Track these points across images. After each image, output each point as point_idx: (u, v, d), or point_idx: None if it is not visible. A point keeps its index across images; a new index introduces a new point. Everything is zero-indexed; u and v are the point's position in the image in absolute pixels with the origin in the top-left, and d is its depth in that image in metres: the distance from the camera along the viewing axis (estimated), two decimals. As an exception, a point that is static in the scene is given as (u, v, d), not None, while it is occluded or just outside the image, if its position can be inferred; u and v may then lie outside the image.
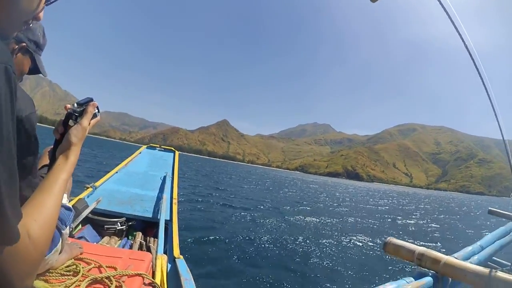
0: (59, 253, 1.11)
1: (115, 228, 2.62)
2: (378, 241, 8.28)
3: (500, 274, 1.08)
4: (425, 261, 1.29)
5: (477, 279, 1.12)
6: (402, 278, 1.16)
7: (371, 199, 28.30)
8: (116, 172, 3.73)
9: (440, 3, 1.40)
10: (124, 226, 2.70)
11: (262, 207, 11.80)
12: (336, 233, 8.66)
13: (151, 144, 5.17)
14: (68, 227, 1.09)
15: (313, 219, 10.64)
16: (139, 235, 2.59)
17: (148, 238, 2.64)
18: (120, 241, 2.49)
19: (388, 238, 1.48)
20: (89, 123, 0.82)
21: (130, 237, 2.64)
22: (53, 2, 0.66)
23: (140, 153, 4.57)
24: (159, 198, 3.23)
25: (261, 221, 8.75)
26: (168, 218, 2.75)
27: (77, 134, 0.76)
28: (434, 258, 1.26)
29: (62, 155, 0.72)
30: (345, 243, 7.65)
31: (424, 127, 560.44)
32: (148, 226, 2.88)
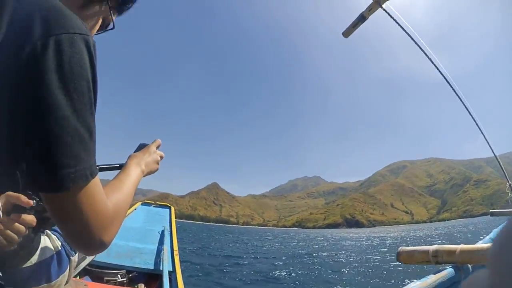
0: (65, 284, 1.07)
1: (116, 280, 2.55)
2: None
3: None
4: (441, 256, 1.28)
5: None
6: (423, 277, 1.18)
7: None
8: None
9: (408, 34, 1.56)
10: (125, 279, 2.62)
11: (267, 261, 12.35)
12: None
13: (145, 201, 5.03)
14: (76, 255, 1.07)
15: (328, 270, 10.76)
16: (141, 287, 2.58)
17: None
18: None
19: (400, 248, 1.48)
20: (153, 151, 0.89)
21: None
22: (99, 33, 0.74)
23: (135, 209, 4.49)
24: (159, 250, 3.23)
25: (273, 273, 9.30)
26: (171, 269, 2.77)
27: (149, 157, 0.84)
28: (448, 250, 1.26)
29: (135, 165, 0.77)
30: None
31: (414, 162, 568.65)
32: (149, 278, 2.87)
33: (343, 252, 18.13)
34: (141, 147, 0.90)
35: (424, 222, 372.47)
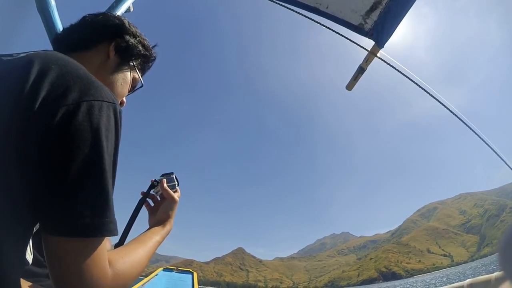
0: None
1: None
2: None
3: None
4: None
5: None
6: None
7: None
8: None
9: (407, 77, 1.62)
10: None
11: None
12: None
13: (167, 266, 4.93)
14: None
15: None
16: None
17: None
18: None
19: None
20: (172, 193, 0.87)
21: None
22: (133, 92, 0.86)
23: (157, 275, 4.41)
24: None
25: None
26: None
27: (170, 206, 0.85)
28: (484, 281, 1.16)
29: (158, 224, 0.80)
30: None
31: (444, 202, 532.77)
32: None
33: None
34: (169, 180, 0.88)
35: (466, 262, 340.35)
